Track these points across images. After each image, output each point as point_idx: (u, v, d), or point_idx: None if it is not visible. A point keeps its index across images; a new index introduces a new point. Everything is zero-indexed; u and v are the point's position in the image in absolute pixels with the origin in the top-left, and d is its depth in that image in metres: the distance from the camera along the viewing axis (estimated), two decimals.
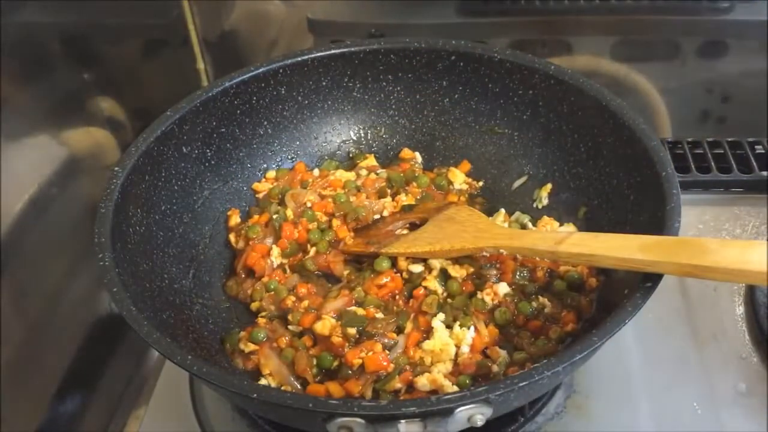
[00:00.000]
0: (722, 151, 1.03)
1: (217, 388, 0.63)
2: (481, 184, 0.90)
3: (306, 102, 0.91)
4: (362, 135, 0.94)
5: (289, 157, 0.92)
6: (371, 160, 0.92)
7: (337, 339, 0.72)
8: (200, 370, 0.59)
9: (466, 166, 0.91)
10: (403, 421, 0.55)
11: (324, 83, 0.90)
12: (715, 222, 0.95)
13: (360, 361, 0.71)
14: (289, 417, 0.65)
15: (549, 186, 0.86)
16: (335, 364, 0.72)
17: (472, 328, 0.73)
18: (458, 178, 0.90)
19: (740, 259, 0.57)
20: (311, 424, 0.62)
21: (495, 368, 0.71)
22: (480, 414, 0.56)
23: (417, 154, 0.93)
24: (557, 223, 0.83)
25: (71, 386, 0.87)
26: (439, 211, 0.82)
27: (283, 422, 0.71)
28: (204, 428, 0.78)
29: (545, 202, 0.86)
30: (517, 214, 0.86)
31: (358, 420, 0.55)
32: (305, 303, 0.78)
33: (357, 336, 0.73)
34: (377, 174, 0.90)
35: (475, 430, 0.58)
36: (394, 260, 0.79)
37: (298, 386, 0.72)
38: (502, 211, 0.87)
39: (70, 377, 0.87)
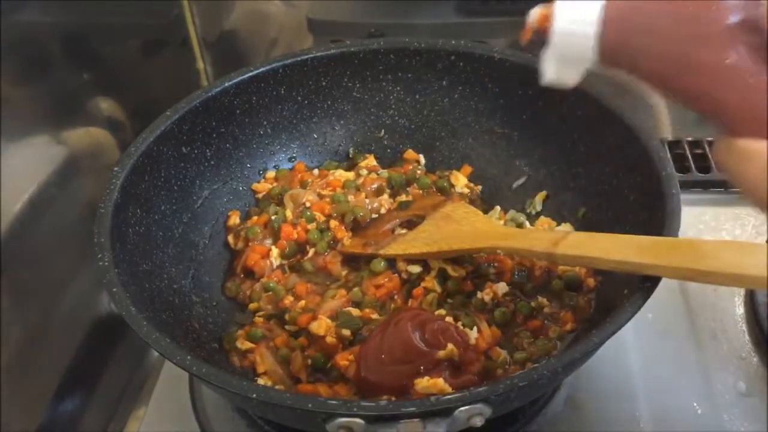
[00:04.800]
0: None
1: (217, 389, 0.63)
2: (480, 188, 0.90)
3: (306, 102, 0.91)
4: (362, 135, 0.94)
5: (289, 157, 0.92)
6: (371, 160, 0.92)
7: (331, 339, 0.72)
8: (200, 370, 0.59)
9: (468, 169, 0.91)
10: (402, 421, 0.55)
11: (324, 83, 0.90)
12: (715, 222, 0.95)
13: (347, 363, 0.70)
14: (288, 417, 0.65)
15: (543, 193, 0.86)
16: (329, 365, 0.72)
17: (475, 328, 0.72)
18: (460, 181, 0.90)
19: (738, 263, 0.55)
20: (310, 425, 0.62)
21: (497, 368, 0.71)
22: (480, 414, 0.56)
23: (421, 156, 0.93)
24: (555, 223, 0.83)
25: (71, 386, 0.87)
26: (436, 208, 0.82)
27: (282, 422, 0.71)
28: (204, 428, 0.78)
29: (539, 208, 0.86)
30: (513, 212, 0.86)
31: (358, 420, 0.55)
32: (302, 303, 0.78)
33: (352, 338, 0.73)
34: (378, 174, 0.90)
35: (475, 430, 0.58)
36: (392, 260, 0.79)
37: (292, 386, 0.72)
38: (498, 208, 0.87)
39: (70, 377, 0.87)
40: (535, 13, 0.46)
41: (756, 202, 0.38)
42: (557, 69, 0.46)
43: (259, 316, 0.78)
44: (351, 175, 0.90)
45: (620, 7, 0.44)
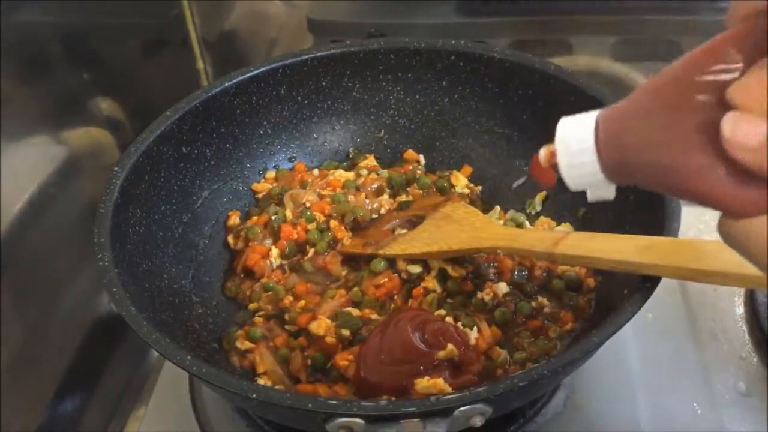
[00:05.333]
0: None
1: (217, 389, 0.63)
2: (480, 188, 0.90)
3: (306, 102, 0.91)
4: (362, 135, 0.94)
5: (289, 157, 0.92)
6: (371, 160, 0.92)
7: (330, 339, 0.72)
8: (200, 370, 0.59)
9: (468, 170, 0.91)
10: (402, 421, 0.55)
11: (324, 83, 0.90)
12: (715, 222, 0.95)
13: (347, 363, 0.70)
14: (288, 417, 0.65)
15: (543, 193, 0.86)
16: (329, 365, 0.72)
17: (475, 328, 0.72)
18: (461, 181, 0.90)
19: (738, 263, 0.55)
20: (310, 425, 0.62)
21: (497, 368, 0.71)
22: (480, 414, 0.56)
23: (421, 156, 0.93)
24: (555, 223, 0.83)
25: (71, 386, 0.87)
26: (436, 208, 0.82)
27: (282, 422, 0.71)
28: (204, 428, 0.78)
29: (539, 208, 0.86)
30: (513, 212, 0.86)
31: (358, 420, 0.55)
32: (302, 303, 0.78)
33: (351, 338, 0.73)
34: (378, 174, 0.90)
35: (475, 430, 0.59)
36: (392, 260, 0.79)
37: (292, 386, 0.72)
38: (498, 208, 0.87)
39: (70, 377, 0.87)
40: (543, 154, 0.44)
41: (761, 270, 0.41)
42: (590, 192, 0.45)
43: (259, 316, 0.78)
44: (351, 175, 0.90)
45: (610, 128, 0.41)
